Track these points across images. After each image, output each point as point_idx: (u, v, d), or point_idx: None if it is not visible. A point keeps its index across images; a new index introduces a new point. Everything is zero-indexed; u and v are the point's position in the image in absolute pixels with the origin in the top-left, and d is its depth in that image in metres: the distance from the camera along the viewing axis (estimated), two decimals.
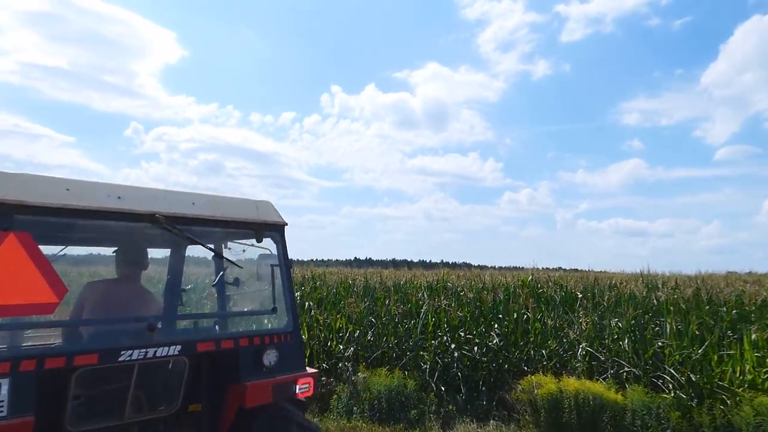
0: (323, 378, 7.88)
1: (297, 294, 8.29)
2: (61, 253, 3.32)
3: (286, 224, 3.57)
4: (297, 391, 3.32)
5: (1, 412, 2.27)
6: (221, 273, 3.77)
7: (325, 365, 8.35)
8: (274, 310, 3.45)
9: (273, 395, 3.18)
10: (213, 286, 3.95)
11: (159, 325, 3.03)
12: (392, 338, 8.66)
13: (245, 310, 4.06)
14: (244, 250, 3.55)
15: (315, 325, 9.19)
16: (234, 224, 3.30)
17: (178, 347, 2.91)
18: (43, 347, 2.99)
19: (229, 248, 3.66)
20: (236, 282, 3.77)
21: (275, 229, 3.50)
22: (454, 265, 23.28)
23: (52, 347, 2.96)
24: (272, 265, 3.50)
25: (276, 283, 3.48)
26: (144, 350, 2.77)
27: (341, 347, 8.55)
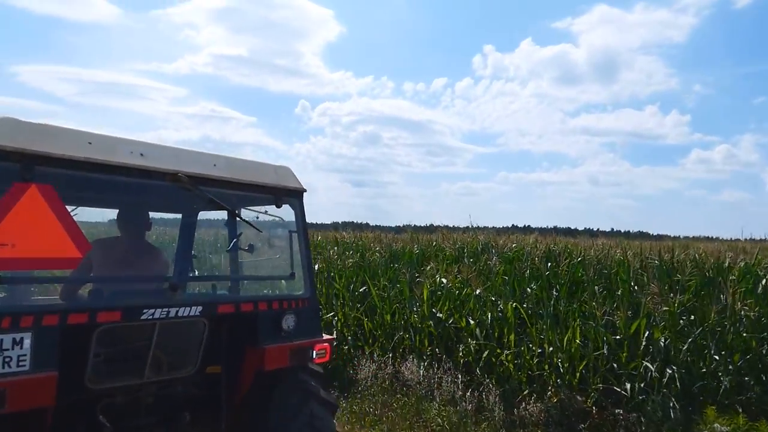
0: None
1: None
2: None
3: (305, 190, 3.57)
4: (314, 356, 3.36)
5: (24, 366, 2.27)
6: (239, 237, 3.78)
7: None
8: (292, 276, 3.48)
9: (291, 359, 3.22)
10: (227, 251, 3.96)
11: (180, 285, 3.03)
12: None
13: (263, 275, 4.11)
14: (257, 217, 3.55)
15: None
16: (254, 188, 3.28)
17: (199, 308, 2.92)
18: (66, 302, 3.00)
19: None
20: (252, 248, 3.78)
21: (294, 195, 3.50)
22: (627, 234, 20.26)
23: (75, 302, 2.97)
24: (290, 231, 3.52)
25: (294, 249, 3.50)
26: (166, 309, 2.77)
27: None
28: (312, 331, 3.42)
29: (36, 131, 2.48)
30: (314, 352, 3.36)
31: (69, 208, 3.42)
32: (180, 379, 3.19)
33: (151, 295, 2.93)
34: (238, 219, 3.47)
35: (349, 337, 7.65)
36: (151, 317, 2.72)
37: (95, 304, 2.78)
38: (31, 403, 2.28)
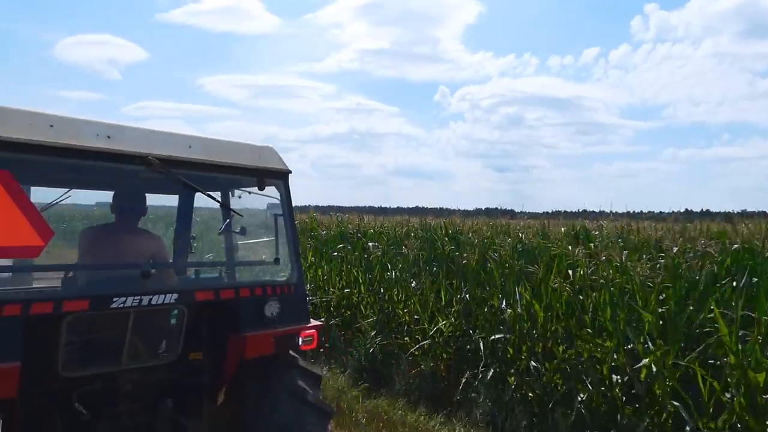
0: None
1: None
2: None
3: (290, 172, 3.47)
4: (300, 343, 3.27)
5: None
6: (229, 221, 3.73)
7: None
8: (276, 261, 3.39)
9: (275, 347, 3.15)
10: (219, 234, 3.92)
11: (153, 272, 2.92)
12: None
13: (246, 260, 4.05)
14: (240, 197, 3.52)
15: None
16: (233, 170, 3.18)
17: (175, 296, 2.85)
18: (28, 291, 2.93)
19: (240, 197, 3.60)
20: (243, 231, 3.74)
21: (278, 177, 3.40)
22: None
23: (38, 291, 2.93)
24: (275, 215, 3.43)
25: (279, 233, 3.42)
26: (138, 298, 2.70)
27: None
28: (298, 318, 3.33)
29: None
30: (300, 338, 3.27)
31: (63, 190, 3.53)
32: (161, 366, 3.14)
33: (123, 283, 2.85)
34: (217, 202, 3.39)
35: None
36: (122, 305, 2.65)
37: (61, 293, 2.72)
38: None
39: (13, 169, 2.34)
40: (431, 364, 6.24)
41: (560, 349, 5.28)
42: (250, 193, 3.42)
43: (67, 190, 3.51)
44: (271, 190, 3.39)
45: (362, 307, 7.74)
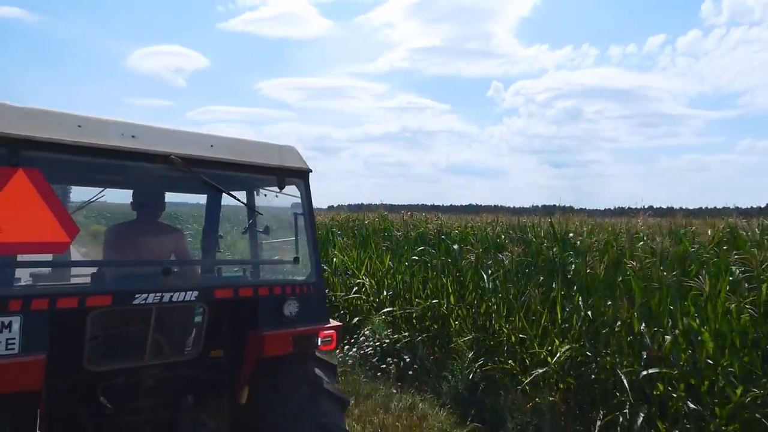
0: None
1: None
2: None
3: (310, 171, 3.46)
4: (319, 343, 3.24)
5: (12, 349, 2.31)
6: (251, 220, 3.74)
7: None
8: (296, 260, 3.40)
9: (294, 346, 3.13)
10: (243, 233, 3.95)
11: (175, 269, 3.11)
12: None
13: (265, 259, 4.07)
14: (266, 195, 3.53)
15: None
16: (254, 169, 3.23)
17: (195, 293, 2.89)
18: (55, 286, 3.01)
19: (266, 195, 3.60)
20: (260, 230, 3.78)
21: (299, 176, 3.41)
22: None
23: (64, 287, 3.08)
24: (295, 214, 3.45)
25: (299, 232, 3.45)
26: (159, 294, 2.75)
27: None
28: (318, 317, 3.31)
29: (24, 115, 2.49)
30: (319, 338, 3.23)
31: (97, 189, 3.70)
32: (183, 362, 3.22)
33: (145, 280, 2.96)
34: (244, 202, 3.47)
35: None
36: (143, 302, 2.71)
37: (85, 288, 2.83)
38: (17, 386, 2.30)
39: (43, 168, 2.42)
40: (548, 398, 5.08)
41: (738, 391, 4.00)
42: (277, 195, 3.46)
43: (101, 189, 3.66)
44: (292, 190, 3.42)
45: (452, 321, 6.65)
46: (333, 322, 3.39)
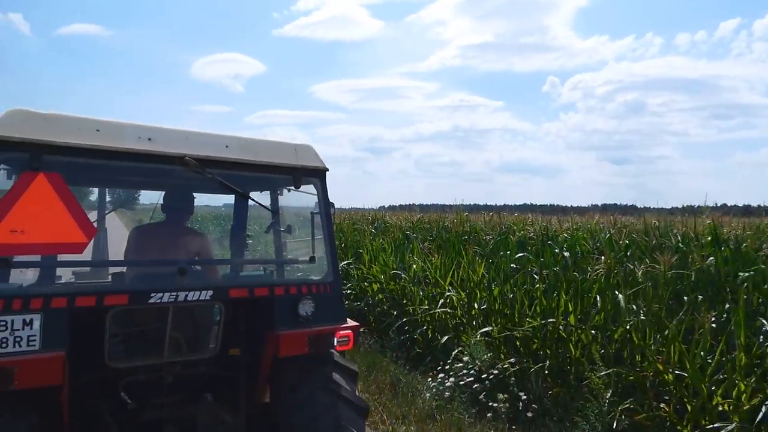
0: None
1: None
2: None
3: (327, 169, 3.45)
4: (335, 343, 3.19)
5: (33, 345, 2.44)
6: (273, 220, 3.84)
7: None
8: (312, 260, 3.39)
9: (309, 346, 3.11)
10: (266, 232, 4.04)
11: (197, 268, 3.48)
12: None
13: (281, 258, 3.97)
14: (290, 192, 3.58)
15: None
16: (270, 169, 3.23)
17: (210, 292, 2.94)
18: (74, 286, 3.22)
19: (289, 192, 3.65)
20: (283, 229, 3.82)
21: (315, 175, 3.41)
22: None
23: (83, 286, 3.23)
24: (312, 213, 3.47)
25: (316, 231, 3.45)
26: (174, 294, 2.81)
27: None
28: (334, 317, 3.29)
29: (45, 121, 2.60)
30: (336, 339, 3.19)
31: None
32: (202, 360, 3.25)
33: (161, 279, 3.04)
34: (250, 200, 3.53)
35: None
36: (159, 301, 2.78)
37: (102, 287, 2.97)
38: (39, 381, 2.41)
39: (63, 171, 2.54)
40: None
41: None
42: (282, 194, 3.73)
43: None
44: (309, 188, 3.42)
45: (571, 347, 5.35)
46: (350, 322, 3.37)
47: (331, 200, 3.60)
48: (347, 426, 3.04)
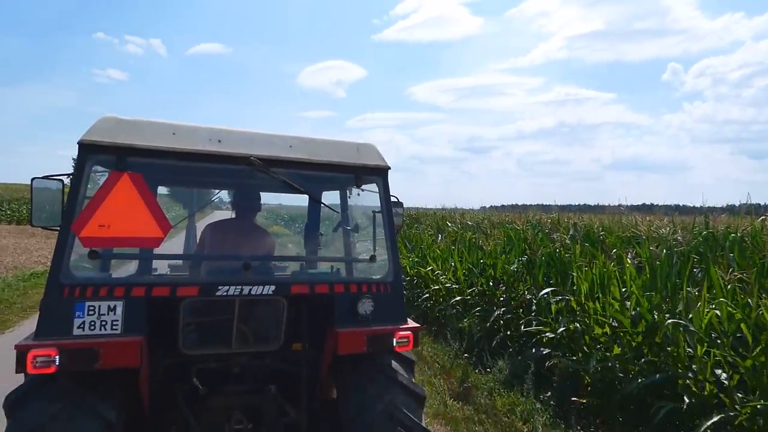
0: None
1: None
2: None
3: (389, 168, 3.49)
4: (395, 344, 3.21)
5: (116, 329, 2.69)
6: (342, 219, 4.06)
7: None
8: (372, 259, 3.51)
9: (368, 345, 3.16)
10: (334, 231, 4.22)
11: (272, 264, 3.74)
12: None
13: (342, 256, 4.17)
14: (360, 194, 3.56)
15: None
16: (333, 168, 3.32)
17: (273, 287, 3.07)
18: (151, 277, 3.44)
19: (354, 194, 3.64)
20: (350, 228, 3.99)
21: (377, 173, 3.47)
22: None
23: (160, 277, 3.43)
24: (374, 212, 3.56)
25: (377, 230, 3.55)
26: (239, 287, 2.99)
27: None
28: (394, 317, 3.33)
29: (130, 126, 2.85)
30: (395, 339, 3.21)
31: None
32: (267, 353, 3.35)
33: (228, 273, 3.14)
34: (313, 199, 3.99)
35: None
36: (225, 294, 2.96)
37: (176, 279, 3.10)
38: (120, 362, 2.64)
39: (144, 172, 2.80)
40: None
41: None
42: (350, 194, 3.89)
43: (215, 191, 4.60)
44: (371, 187, 3.48)
45: None
46: (411, 323, 3.36)
47: (399, 200, 3.68)
48: (403, 411, 3.08)
